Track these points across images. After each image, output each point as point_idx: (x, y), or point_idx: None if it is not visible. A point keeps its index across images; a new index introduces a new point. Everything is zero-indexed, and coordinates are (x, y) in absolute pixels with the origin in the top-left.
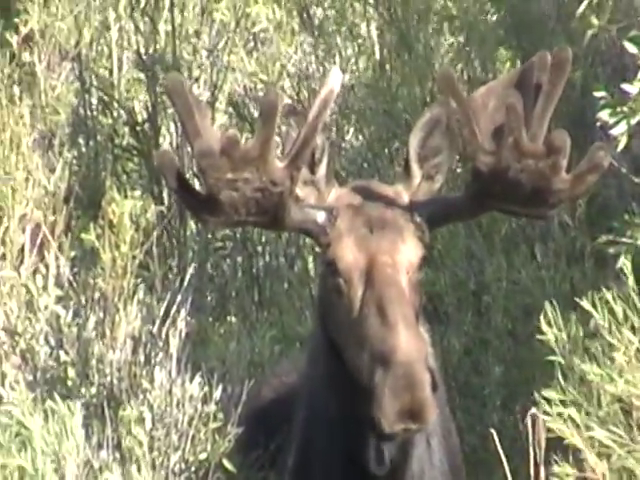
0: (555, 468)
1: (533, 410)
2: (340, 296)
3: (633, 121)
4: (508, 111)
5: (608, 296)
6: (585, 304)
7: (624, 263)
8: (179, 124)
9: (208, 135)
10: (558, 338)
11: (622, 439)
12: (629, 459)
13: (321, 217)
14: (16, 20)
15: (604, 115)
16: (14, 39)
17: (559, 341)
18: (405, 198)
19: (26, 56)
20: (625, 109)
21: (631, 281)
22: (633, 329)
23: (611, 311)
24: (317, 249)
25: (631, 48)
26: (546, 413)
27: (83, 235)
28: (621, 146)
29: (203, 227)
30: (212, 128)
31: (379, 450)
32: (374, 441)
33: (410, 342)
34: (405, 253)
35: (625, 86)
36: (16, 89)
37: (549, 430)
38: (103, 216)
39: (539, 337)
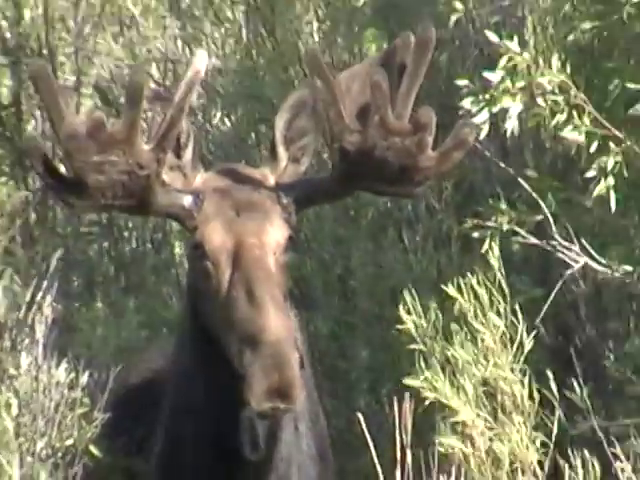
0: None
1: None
2: (208, 279)
3: (495, 109)
4: (373, 89)
5: (473, 281)
6: (450, 289)
7: (490, 247)
8: (44, 110)
9: (73, 119)
10: (418, 325)
11: (487, 422)
12: (494, 442)
13: (187, 201)
14: None
15: (467, 103)
16: None
17: (419, 328)
18: (271, 180)
19: None
20: (487, 97)
21: (496, 265)
22: (499, 313)
23: (476, 295)
24: (185, 234)
25: (492, 37)
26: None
27: None
28: (483, 134)
29: (69, 211)
30: (76, 112)
31: (254, 435)
32: (249, 426)
33: (278, 322)
34: (272, 234)
35: (487, 74)
36: None
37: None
38: None
39: (398, 327)
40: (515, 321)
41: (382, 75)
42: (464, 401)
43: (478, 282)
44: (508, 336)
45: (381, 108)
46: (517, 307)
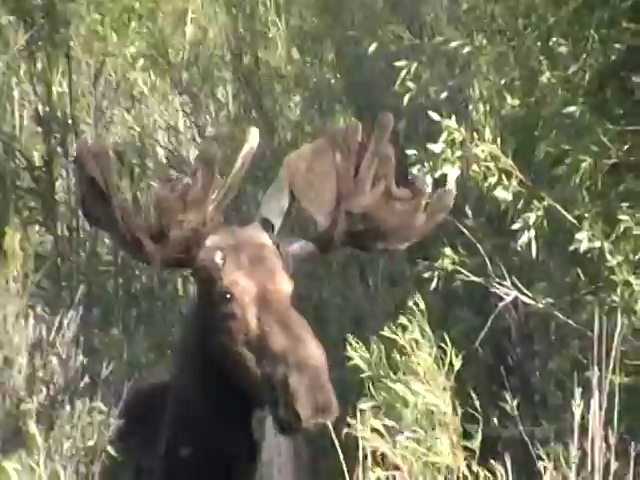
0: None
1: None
2: (235, 321)
3: (436, 175)
4: (382, 160)
5: (404, 320)
6: (387, 330)
7: (437, 285)
8: (70, 170)
9: (161, 184)
10: (364, 359)
11: (423, 437)
12: (430, 455)
13: (217, 256)
14: None
15: (415, 170)
16: None
17: (364, 360)
18: (266, 239)
19: None
20: (431, 164)
21: (422, 306)
22: (430, 344)
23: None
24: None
25: (435, 116)
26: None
27: None
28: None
29: (151, 266)
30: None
31: (252, 446)
32: (249, 439)
33: (317, 349)
34: (284, 283)
35: (430, 145)
36: None
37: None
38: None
39: (348, 364)
40: (444, 346)
41: (390, 149)
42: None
43: (409, 320)
44: (441, 360)
45: (387, 177)
46: (446, 336)
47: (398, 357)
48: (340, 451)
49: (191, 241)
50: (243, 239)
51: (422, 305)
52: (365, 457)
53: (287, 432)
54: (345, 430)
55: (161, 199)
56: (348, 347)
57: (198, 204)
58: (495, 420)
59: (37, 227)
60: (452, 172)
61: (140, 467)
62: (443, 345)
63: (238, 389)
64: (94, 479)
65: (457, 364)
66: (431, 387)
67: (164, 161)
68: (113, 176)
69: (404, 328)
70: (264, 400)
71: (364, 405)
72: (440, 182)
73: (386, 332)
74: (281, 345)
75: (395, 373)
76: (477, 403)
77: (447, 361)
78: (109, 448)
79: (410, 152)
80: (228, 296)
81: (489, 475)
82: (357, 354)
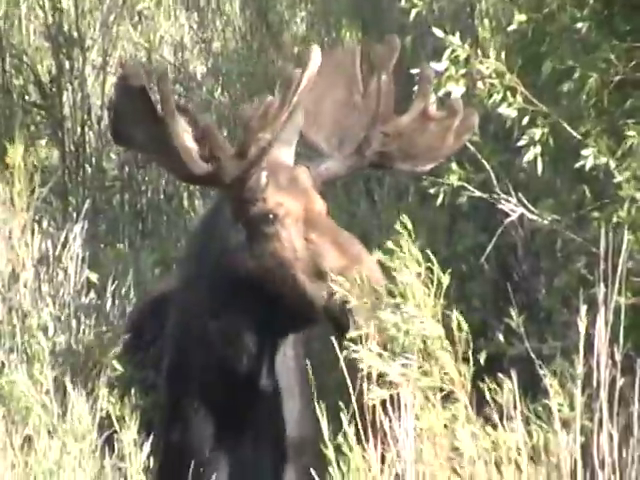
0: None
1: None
2: (280, 242)
3: (440, 93)
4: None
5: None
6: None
7: (443, 201)
8: (76, 85)
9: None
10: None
11: (419, 362)
12: (423, 379)
13: (263, 176)
14: None
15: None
16: None
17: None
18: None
19: None
20: (435, 82)
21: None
22: (419, 262)
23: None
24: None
25: (438, 32)
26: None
27: None
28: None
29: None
30: None
31: (271, 365)
32: (266, 360)
33: (376, 267)
34: (321, 203)
35: (433, 64)
36: None
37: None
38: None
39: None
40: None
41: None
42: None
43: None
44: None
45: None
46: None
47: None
48: (345, 367)
49: (261, 159)
50: (274, 161)
51: (409, 225)
52: (367, 377)
53: (349, 352)
54: (344, 352)
55: (249, 116)
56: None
57: (273, 123)
58: (501, 337)
59: (44, 142)
60: (456, 90)
61: (145, 383)
62: (430, 266)
63: (263, 306)
64: (100, 393)
65: (445, 281)
66: (421, 311)
67: (171, 76)
68: (172, 99)
69: (391, 252)
70: (319, 317)
71: (354, 333)
72: (444, 100)
73: (376, 255)
74: (338, 265)
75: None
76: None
77: (434, 284)
78: (115, 363)
79: (414, 71)
80: (272, 217)
81: (497, 389)
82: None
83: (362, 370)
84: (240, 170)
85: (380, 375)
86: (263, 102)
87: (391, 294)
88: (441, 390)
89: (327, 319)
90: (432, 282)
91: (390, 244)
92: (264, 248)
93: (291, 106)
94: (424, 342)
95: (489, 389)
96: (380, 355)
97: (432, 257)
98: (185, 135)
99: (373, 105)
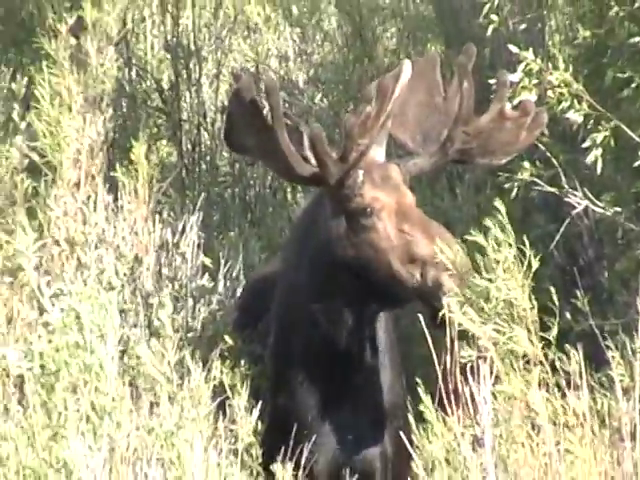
0: (463, 353)
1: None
2: (377, 232)
3: (515, 101)
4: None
5: (489, 223)
6: (474, 233)
7: (517, 195)
8: (193, 91)
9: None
10: (449, 259)
11: (504, 329)
12: (510, 343)
13: (360, 174)
14: (65, 15)
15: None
16: (64, 27)
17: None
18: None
19: (72, 40)
20: (510, 92)
21: (504, 211)
22: (510, 245)
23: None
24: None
25: (513, 48)
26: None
27: (115, 173)
28: None
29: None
30: None
31: (367, 339)
32: (362, 335)
33: (462, 251)
34: (412, 197)
35: (510, 76)
36: (66, 64)
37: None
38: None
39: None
40: (524, 248)
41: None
42: (489, 315)
43: (493, 224)
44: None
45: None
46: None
47: (480, 257)
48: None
49: (360, 161)
50: (370, 161)
51: (502, 209)
52: (453, 340)
53: (441, 328)
54: (440, 313)
55: (350, 125)
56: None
57: (371, 129)
58: (568, 315)
59: (164, 142)
60: (529, 98)
61: (253, 355)
62: (522, 247)
63: (360, 288)
64: (213, 365)
65: (535, 264)
66: (510, 282)
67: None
68: (280, 110)
69: (487, 230)
70: (410, 300)
71: (450, 299)
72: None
73: (471, 236)
74: (428, 250)
75: (479, 273)
76: (555, 297)
77: (526, 261)
78: (226, 337)
79: (492, 81)
80: (369, 211)
81: (565, 359)
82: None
83: (454, 333)
84: (342, 172)
85: (469, 336)
86: (363, 111)
87: (484, 268)
88: (524, 357)
89: (419, 300)
90: (522, 263)
91: (488, 223)
92: (362, 238)
93: (386, 114)
94: (510, 308)
95: (559, 359)
96: (472, 320)
97: (525, 240)
98: (290, 141)
99: (455, 107)
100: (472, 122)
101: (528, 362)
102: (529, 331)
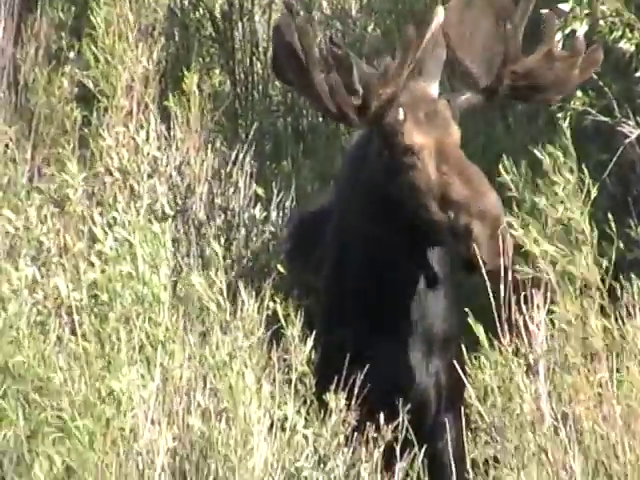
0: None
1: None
2: (417, 172)
3: (566, 31)
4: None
5: (551, 148)
6: (537, 153)
7: (570, 123)
8: (245, 20)
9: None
10: (513, 179)
11: (563, 251)
12: (569, 265)
13: (400, 114)
14: None
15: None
16: None
17: (514, 181)
18: (435, 93)
19: None
20: (562, 21)
21: (568, 135)
22: (571, 170)
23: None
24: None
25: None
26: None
27: (168, 102)
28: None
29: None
30: None
31: (420, 269)
32: (415, 265)
33: (497, 200)
34: (456, 134)
35: (560, 5)
36: None
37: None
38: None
39: (498, 179)
40: (582, 176)
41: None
42: (547, 236)
43: (555, 148)
44: (578, 188)
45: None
46: (584, 167)
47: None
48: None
49: (386, 109)
50: (419, 95)
51: (567, 132)
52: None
53: (469, 272)
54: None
55: (365, 77)
56: (500, 167)
57: (395, 78)
58: (621, 244)
59: (217, 71)
60: (580, 28)
61: (306, 286)
62: (581, 175)
63: (407, 223)
64: (267, 293)
65: (593, 192)
66: (571, 205)
67: (328, 12)
68: (314, 53)
69: (549, 155)
70: (445, 242)
71: (510, 219)
72: (570, 38)
73: (537, 152)
74: (463, 195)
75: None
76: (612, 224)
77: (585, 188)
78: (279, 266)
79: (543, 11)
80: (410, 150)
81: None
82: (508, 175)
83: (508, 261)
84: (364, 122)
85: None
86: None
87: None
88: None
89: (451, 241)
90: (581, 190)
91: (549, 147)
92: (402, 177)
93: (411, 66)
94: (568, 233)
95: (621, 286)
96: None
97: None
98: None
99: (507, 47)
100: (520, 61)
101: (583, 287)
102: (588, 256)
